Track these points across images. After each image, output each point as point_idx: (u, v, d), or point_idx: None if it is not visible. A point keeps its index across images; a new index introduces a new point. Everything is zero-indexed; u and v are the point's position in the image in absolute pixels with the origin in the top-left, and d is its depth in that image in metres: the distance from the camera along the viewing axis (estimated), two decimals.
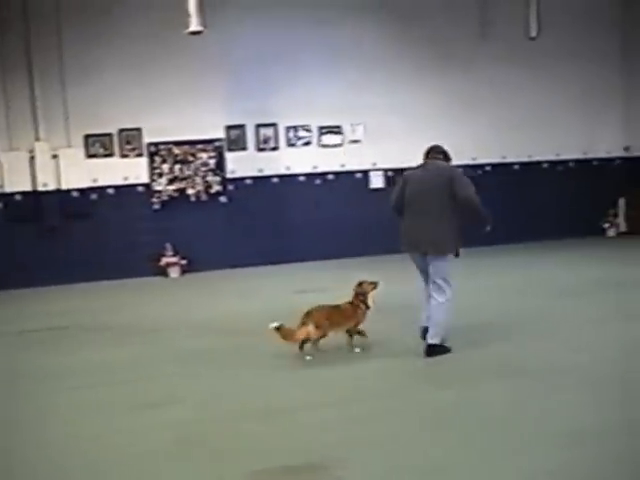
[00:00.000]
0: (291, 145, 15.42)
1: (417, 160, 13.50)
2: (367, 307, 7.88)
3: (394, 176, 15.18)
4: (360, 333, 7.92)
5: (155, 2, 14.02)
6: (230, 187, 15.12)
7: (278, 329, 7.48)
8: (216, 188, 15.04)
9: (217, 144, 15.00)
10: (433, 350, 7.49)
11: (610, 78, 17.24)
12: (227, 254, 14.93)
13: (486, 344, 8.14)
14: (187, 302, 11.97)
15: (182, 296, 12.56)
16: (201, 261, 14.78)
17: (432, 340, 7.53)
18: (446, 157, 7.85)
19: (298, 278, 13.45)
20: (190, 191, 14.93)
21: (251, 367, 7.90)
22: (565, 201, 16.73)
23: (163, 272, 14.61)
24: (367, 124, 15.56)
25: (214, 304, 11.59)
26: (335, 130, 15.54)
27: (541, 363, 7.40)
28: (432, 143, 8.22)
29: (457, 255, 7.80)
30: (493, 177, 15.98)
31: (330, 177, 15.57)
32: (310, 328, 7.55)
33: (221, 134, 15.03)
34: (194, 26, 11.97)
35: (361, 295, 7.89)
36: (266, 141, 15.36)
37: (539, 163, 16.76)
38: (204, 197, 14.98)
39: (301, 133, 15.47)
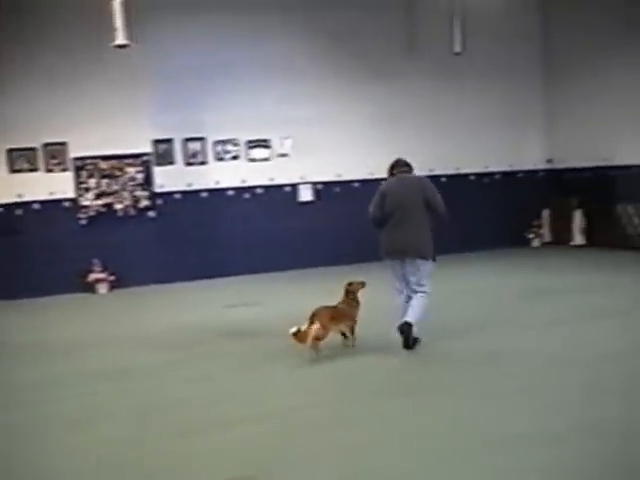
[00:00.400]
0: (219, 159, 15.35)
1: (346, 173, 14.83)
2: (358, 303, 8.44)
3: (323, 189, 15.60)
4: (352, 332, 8.44)
5: (82, 15, 13.83)
6: (159, 202, 14.99)
7: (295, 334, 7.86)
8: (144, 203, 14.91)
9: (145, 158, 14.86)
10: (409, 335, 8.01)
11: (533, 92, 17.52)
12: (156, 269, 14.81)
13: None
14: (115, 318, 11.81)
15: (110, 312, 12.39)
16: (130, 277, 14.61)
17: (410, 318, 8.00)
18: (410, 168, 8.43)
19: (228, 292, 13.38)
20: (118, 206, 14.77)
21: (181, 381, 7.82)
22: (492, 213, 16.89)
23: (91, 288, 14.41)
24: (295, 138, 15.57)
25: (143, 320, 11.43)
26: (263, 144, 15.53)
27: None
28: (395, 157, 8.79)
29: (434, 259, 8.41)
30: None
31: (259, 191, 15.54)
32: (316, 327, 7.89)
33: (148, 148, 14.88)
34: (120, 39, 11.86)
35: (351, 293, 8.42)
36: (194, 155, 15.27)
37: (466, 175, 16.90)
38: (132, 212, 14.83)
39: (229, 147, 15.40)
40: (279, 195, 15.60)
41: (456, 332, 9.03)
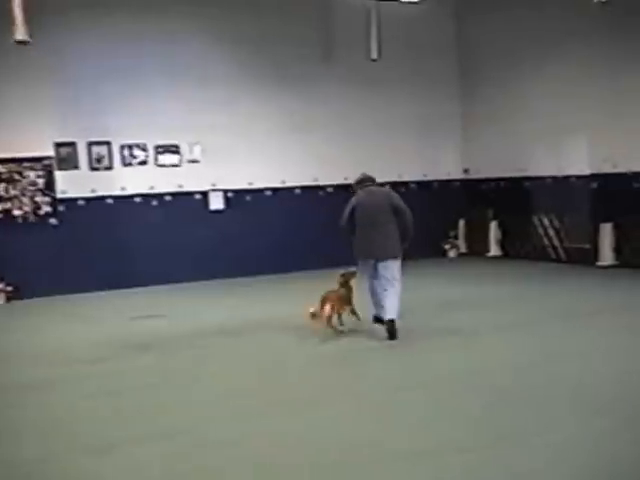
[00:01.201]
0: (127, 164, 14.76)
1: (258, 181, 14.73)
2: (351, 289, 9.56)
3: (233, 197, 15.26)
4: (354, 313, 9.57)
5: None
6: (61, 208, 14.29)
7: (314, 315, 8.93)
8: (45, 209, 14.20)
9: (46, 162, 14.13)
10: (394, 329, 9.04)
11: (449, 101, 17.44)
12: (59, 279, 14.13)
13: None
14: (11, 331, 11.17)
15: (6, 325, 11.67)
16: (30, 287, 13.90)
17: (392, 316, 9.07)
18: (374, 182, 9.55)
19: (134, 304, 12.92)
20: (17, 212, 14.02)
21: (84, 396, 7.41)
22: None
23: None
24: (206, 144, 15.14)
25: (41, 333, 10.86)
26: (172, 149, 15.00)
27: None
28: (361, 173, 9.81)
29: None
30: (336, 198, 15.76)
31: (168, 198, 15.04)
32: (328, 308, 9.00)
33: (50, 152, 14.15)
34: (20, 35, 11.12)
35: (345, 282, 9.56)
36: (100, 160, 14.60)
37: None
38: (32, 219, 14.12)
39: (136, 152, 14.82)
40: (189, 203, 15.15)
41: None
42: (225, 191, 15.47)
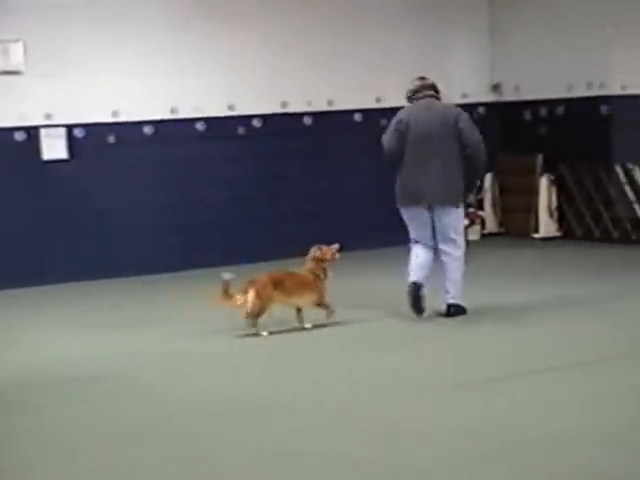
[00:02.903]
0: None
1: (130, 109, 11.03)
2: (326, 276, 8.08)
3: (82, 138, 10.94)
4: (326, 307, 7.98)
5: None
6: None
7: (227, 282, 7.50)
8: None
9: None
10: (456, 310, 8.04)
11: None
12: None
13: None
14: None
15: None
16: None
17: (454, 300, 8.06)
18: (438, 93, 8.29)
19: None
20: None
21: None
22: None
23: None
24: (32, 41, 10.45)
25: None
26: None
27: None
28: (418, 75, 8.39)
29: (469, 206, 9.50)
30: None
31: None
32: (250, 296, 7.52)
33: None
34: None
35: (322, 262, 8.06)
36: None
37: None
38: None
39: None
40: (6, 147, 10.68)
41: None
42: (69, 127, 10.88)
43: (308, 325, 7.81)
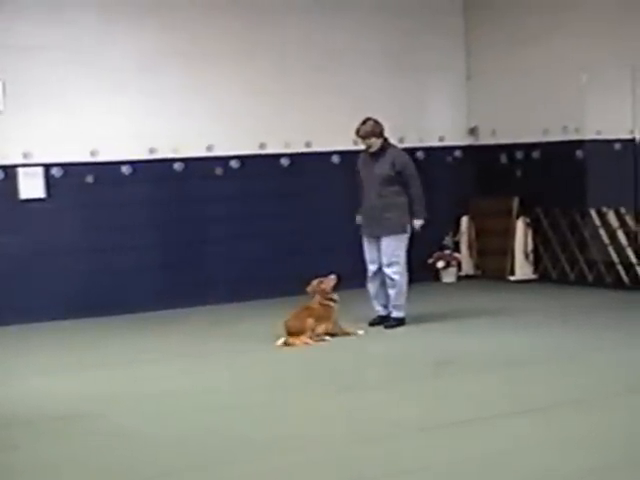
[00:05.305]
0: None
1: (106, 149, 11.09)
2: (334, 301, 8.76)
3: (60, 177, 10.83)
4: (345, 332, 8.72)
5: None
6: None
7: (286, 344, 8.36)
8: None
9: None
10: (396, 323, 8.82)
11: (444, 11, 12.86)
12: None
13: None
14: None
15: None
16: None
17: (399, 314, 8.82)
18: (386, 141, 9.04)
19: None
20: None
21: None
22: None
23: None
24: (14, 79, 10.31)
25: None
26: None
27: None
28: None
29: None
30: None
31: None
32: (311, 321, 8.46)
33: None
34: None
35: (325, 293, 8.74)
36: None
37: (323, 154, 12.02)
38: None
39: None
40: None
41: None
42: (47, 166, 10.75)
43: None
